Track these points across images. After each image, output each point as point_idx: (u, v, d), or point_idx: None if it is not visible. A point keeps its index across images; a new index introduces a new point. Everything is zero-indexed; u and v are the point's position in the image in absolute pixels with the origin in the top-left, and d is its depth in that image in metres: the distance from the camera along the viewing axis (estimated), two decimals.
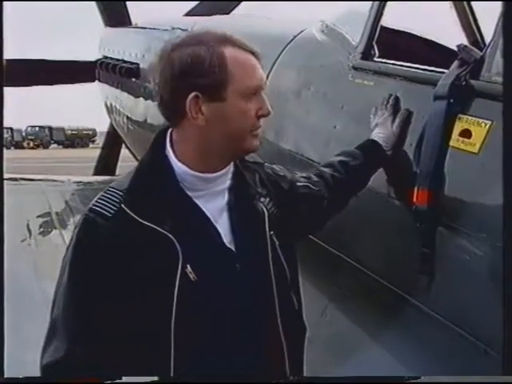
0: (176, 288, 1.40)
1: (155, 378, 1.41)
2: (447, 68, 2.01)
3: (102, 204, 1.46)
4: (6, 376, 1.57)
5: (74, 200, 4.04)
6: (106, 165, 6.68)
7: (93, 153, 9.60)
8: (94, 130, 43.11)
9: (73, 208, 3.84)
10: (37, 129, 43.48)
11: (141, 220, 1.42)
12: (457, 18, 2.87)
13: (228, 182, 1.53)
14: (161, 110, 1.52)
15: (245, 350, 1.46)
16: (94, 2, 6.44)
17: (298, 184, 1.78)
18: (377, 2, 2.48)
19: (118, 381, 1.41)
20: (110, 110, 6.23)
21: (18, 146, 39.64)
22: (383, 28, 2.53)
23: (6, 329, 1.57)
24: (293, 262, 1.60)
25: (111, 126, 6.58)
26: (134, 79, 5.24)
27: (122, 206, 1.44)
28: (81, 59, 6.66)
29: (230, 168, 1.53)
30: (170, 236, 1.41)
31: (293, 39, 3.13)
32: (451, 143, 1.90)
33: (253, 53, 1.49)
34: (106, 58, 5.99)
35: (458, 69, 1.95)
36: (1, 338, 1.56)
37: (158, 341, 1.41)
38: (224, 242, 1.49)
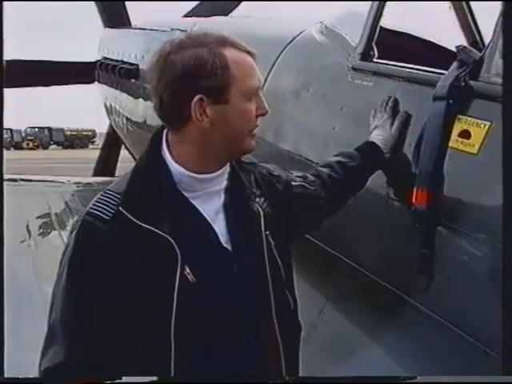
0: (175, 290, 1.40)
1: (155, 378, 1.42)
2: (446, 69, 2.01)
3: (100, 207, 1.45)
4: (5, 376, 1.57)
5: (74, 201, 4.05)
6: (106, 166, 6.69)
7: (92, 154, 9.61)
8: (93, 131, 43.12)
9: (72, 209, 3.84)
10: (36, 130, 43.52)
11: (139, 223, 1.42)
12: (456, 18, 2.87)
13: (224, 183, 1.53)
14: (159, 112, 1.49)
15: (243, 349, 1.46)
16: (93, 3, 6.44)
17: (293, 183, 1.78)
18: (376, 3, 2.48)
19: (118, 381, 1.41)
20: (110, 111, 6.23)
21: (18, 146, 39.65)
22: (382, 29, 2.53)
23: (5, 329, 1.57)
24: (288, 261, 1.60)
25: (111, 127, 6.59)
26: (133, 80, 5.25)
27: (121, 208, 1.43)
28: (81, 60, 6.67)
29: (226, 169, 1.54)
30: (169, 238, 1.41)
31: (292, 40, 3.14)
32: (450, 144, 1.91)
33: (249, 53, 1.49)
34: (105, 58, 5.99)
35: (458, 70, 1.95)
36: (1, 339, 1.56)
37: (159, 343, 1.41)
38: (221, 243, 1.49)
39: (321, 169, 1.98)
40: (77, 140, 43.63)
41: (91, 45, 6.78)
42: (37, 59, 6.54)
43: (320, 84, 2.74)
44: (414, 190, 1.93)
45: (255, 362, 1.48)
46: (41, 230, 3.59)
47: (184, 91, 1.43)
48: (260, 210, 1.55)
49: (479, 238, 1.75)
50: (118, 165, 6.71)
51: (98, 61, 6.12)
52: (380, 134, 2.12)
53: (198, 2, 6.04)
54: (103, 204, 1.46)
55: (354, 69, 2.50)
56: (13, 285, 1.69)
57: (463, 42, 2.86)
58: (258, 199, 1.56)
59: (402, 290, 2.07)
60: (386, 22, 2.57)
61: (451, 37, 2.95)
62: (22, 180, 4.30)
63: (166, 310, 1.40)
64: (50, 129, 43.65)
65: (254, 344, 1.48)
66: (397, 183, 2.13)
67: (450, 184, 1.90)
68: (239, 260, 1.49)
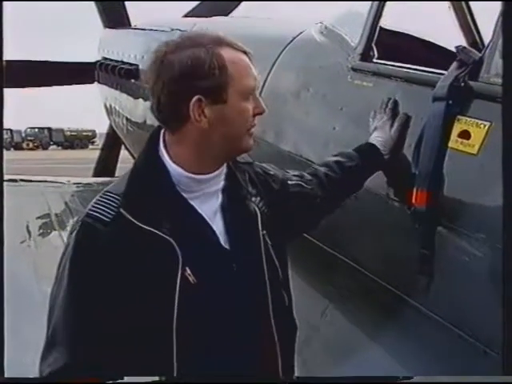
0: (177, 291, 1.40)
1: (156, 378, 1.42)
2: (446, 69, 2.01)
3: (100, 209, 1.45)
4: (5, 376, 1.57)
5: (74, 201, 4.04)
6: (106, 166, 6.68)
7: (92, 154, 9.61)
8: (93, 132, 43.10)
9: (72, 209, 3.84)
10: (36, 130, 43.48)
11: (140, 224, 1.41)
12: (455, 18, 2.87)
13: (221, 183, 1.54)
14: (156, 113, 1.48)
15: (243, 349, 1.46)
16: (93, 3, 6.44)
17: (290, 182, 1.78)
18: (376, 3, 2.48)
19: (119, 381, 1.41)
20: (110, 111, 6.23)
21: (18, 147, 39.62)
22: (382, 29, 2.53)
23: (5, 329, 1.57)
24: (284, 260, 1.61)
25: (110, 127, 6.59)
26: (133, 80, 5.25)
27: (121, 210, 1.43)
28: (80, 60, 6.67)
29: (223, 169, 1.54)
30: (170, 240, 1.41)
31: (292, 40, 3.14)
32: (450, 144, 1.91)
33: (245, 52, 1.49)
34: (105, 59, 5.99)
35: (457, 70, 1.95)
36: (1, 339, 1.56)
37: (160, 344, 1.41)
38: (221, 243, 1.49)
39: (318, 168, 1.98)
40: (77, 140, 43.60)
41: (91, 45, 6.78)
42: (37, 59, 6.54)
43: (320, 84, 2.74)
44: (414, 190, 1.94)
45: (254, 361, 1.48)
46: (41, 231, 3.59)
47: (182, 92, 1.43)
48: (257, 209, 1.55)
49: (479, 238, 1.75)
50: (118, 165, 6.70)
51: (98, 61, 6.12)
52: (379, 135, 2.12)
53: (198, 2, 6.04)
54: (103, 205, 1.45)
55: (353, 69, 2.50)
56: (13, 285, 1.68)
57: (463, 42, 2.86)
58: (254, 199, 1.57)
59: (402, 290, 2.07)
60: (386, 22, 2.57)
61: (451, 37, 2.95)
62: (21, 180, 4.30)
63: (168, 311, 1.40)
64: (49, 129, 43.62)
65: (253, 343, 1.48)
66: (397, 183, 2.13)
67: (449, 184, 1.90)
68: (238, 260, 1.49)
